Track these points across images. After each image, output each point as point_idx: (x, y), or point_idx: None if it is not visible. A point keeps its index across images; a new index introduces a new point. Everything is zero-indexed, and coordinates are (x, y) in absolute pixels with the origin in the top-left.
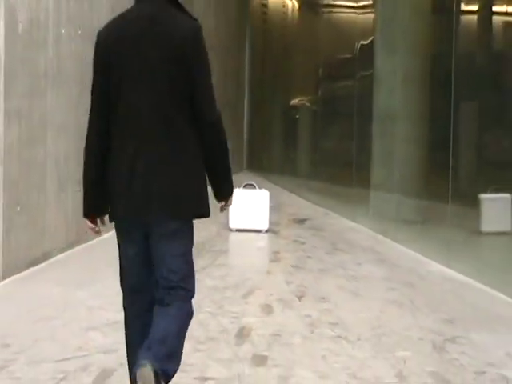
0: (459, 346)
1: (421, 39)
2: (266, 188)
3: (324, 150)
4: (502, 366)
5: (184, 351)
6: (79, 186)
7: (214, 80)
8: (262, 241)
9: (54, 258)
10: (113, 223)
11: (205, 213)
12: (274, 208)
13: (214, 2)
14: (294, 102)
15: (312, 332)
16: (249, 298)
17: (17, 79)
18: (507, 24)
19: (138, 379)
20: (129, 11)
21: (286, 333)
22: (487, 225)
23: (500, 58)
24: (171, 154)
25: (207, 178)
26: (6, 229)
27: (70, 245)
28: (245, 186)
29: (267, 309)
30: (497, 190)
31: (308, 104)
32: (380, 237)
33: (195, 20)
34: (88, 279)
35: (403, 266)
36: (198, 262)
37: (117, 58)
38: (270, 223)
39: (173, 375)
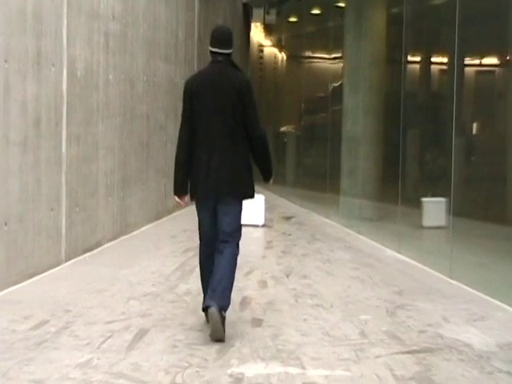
0: (406, 311)
1: (377, 82)
2: (261, 193)
3: (306, 165)
4: (438, 326)
5: (200, 315)
6: (123, 192)
7: None
8: (259, 233)
9: (104, 246)
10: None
11: (251, 196)
12: (268, 208)
13: None
14: (283, 129)
15: (296, 301)
16: (249, 275)
17: (76, 112)
18: (441, 71)
19: (209, 317)
20: (206, 69)
21: (277, 302)
22: (427, 221)
23: (435, 96)
24: (231, 156)
25: (259, 168)
26: (68, 224)
27: (116, 236)
28: None
29: (263, 284)
30: (434, 195)
31: (293, 130)
32: (347, 230)
33: (245, 75)
34: (129, 262)
35: (365, 251)
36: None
37: (198, 96)
38: (265, 220)
39: (228, 305)
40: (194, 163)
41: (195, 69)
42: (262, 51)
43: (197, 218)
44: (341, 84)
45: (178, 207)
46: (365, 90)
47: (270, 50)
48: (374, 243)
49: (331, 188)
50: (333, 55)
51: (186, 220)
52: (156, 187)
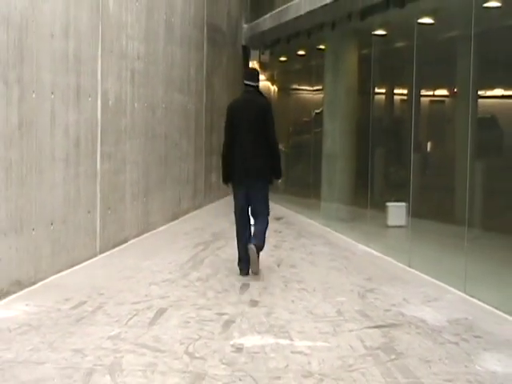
0: (374, 294)
1: (351, 109)
2: None
3: (293, 176)
4: (400, 306)
5: (208, 297)
6: (145, 197)
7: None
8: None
9: (130, 242)
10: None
11: (269, 180)
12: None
13: (226, 85)
14: None
15: (286, 286)
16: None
17: (107, 133)
18: (402, 100)
19: (249, 253)
20: (242, 96)
21: (270, 286)
22: (391, 221)
23: (397, 121)
24: (259, 156)
25: (272, 168)
26: (102, 224)
27: (140, 233)
28: None
29: (259, 272)
30: (396, 200)
31: (283, 148)
32: (327, 229)
33: (267, 99)
34: (151, 254)
35: (341, 246)
36: (216, 244)
37: (236, 116)
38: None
39: (263, 246)
40: (233, 160)
41: (204, 98)
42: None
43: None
44: (321, 111)
45: (190, 209)
46: (341, 116)
47: (265, 83)
48: (348, 239)
49: (314, 195)
50: (315, 87)
51: (197, 220)
52: (172, 193)
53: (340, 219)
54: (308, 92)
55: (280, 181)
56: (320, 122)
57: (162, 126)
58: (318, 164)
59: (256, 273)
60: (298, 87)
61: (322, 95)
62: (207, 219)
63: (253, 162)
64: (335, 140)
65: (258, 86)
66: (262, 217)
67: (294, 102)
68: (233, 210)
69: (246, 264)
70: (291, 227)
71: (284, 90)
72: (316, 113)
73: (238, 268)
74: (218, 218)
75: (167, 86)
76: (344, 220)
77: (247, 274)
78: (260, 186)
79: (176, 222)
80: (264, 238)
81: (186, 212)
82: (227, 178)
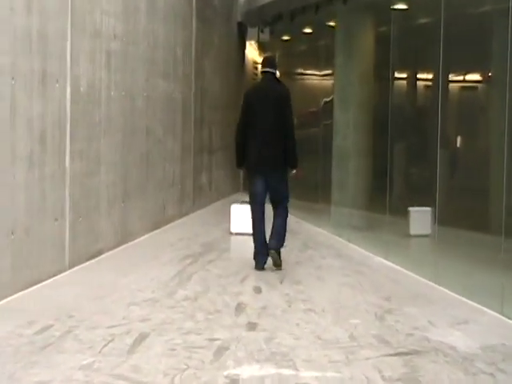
0: (394, 315)
1: (366, 98)
2: None
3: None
4: (425, 330)
5: (197, 319)
6: (124, 203)
7: (220, 129)
8: None
9: (106, 254)
10: None
11: (284, 167)
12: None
13: (219, 70)
14: None
15: (289, 306)
16: (244, 281)
17: (78, 127)
18: (426, 87)
19: (270, 255)
20: (260, 82)
21: (271, 307)
22: (414, 230)
23: (421, 111)
24: (275, 145)
25: (288, 158)
26: (72, 234)
27: (117, 244)
28: (241, 202)
29: (257, 289)
30: (420, 205)
31: None
32: (338, 238)
33: (286, 87)
34: (129, 269)
35: (354, 259)
36: (207, 257)
37: (253, 103)
38: None
39: (283, 244)
40: (249, 148)
41: (192, 85)
42: (256, 68)
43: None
44: (331, 100)
45: (176, 217)
46: (354, 106)
47: None
48: (363, 251)
49: (323, 199)
50: (324, 72)
51: (184, 229)
52: (155, 199)
53: (353, 227)
54: (315, 77)
55: (295, 171)
56: (330, 113)
57: (144, 119)
58: (328, 162)
59: (280, 266)
60: (303, 72)
61: (331, 81)
62: (196, 228)
63: (270, 151)
64: (348, 134)
65: (275, 74)
66: (282, 207)
67: (298, 88)
68: (225, 219)
69: (263, 257)
70: (296, 236)
71: (287, 74)
72: (325, 102)
73: (253, 262)
74: (208, 226)
75: (149, 71)
76: (358, 228)
77: (263, 268)
78: (278, 176)
79: (159, 231)
80: (284, 236)
81: (172, 220)
82: (241, 161)
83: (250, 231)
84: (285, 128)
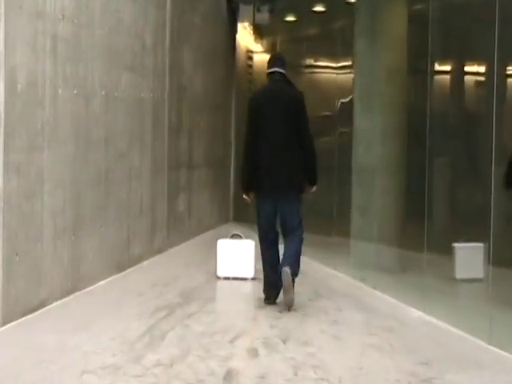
0: None
1: (397, 97)
2: (251, 238)
3: (307, 200)
4: None
5: None
6: (75, 235)
7: (204, 139)
8: (248, 288)
9: (51, 305)
10: None
11: (304, 191)
12: (260, 257)
13: (202, 62)
14: None
15: (295, 374)
16: (235, 342)
17: (15, 135)
18: (478, 83)
19: (283, 279)
20: (268, 85)
21: (271, 375)
22: (461, 272)
23: (470, 115)
24: (290, 160)
25: (306, 173)
26: (5, 278)
27: (67, 292)
28: (232, 236)
29: (253, 352)
30: (469, 239)
31: None
32: (360, 284)
33: (299, 91)
34: (83, 325)
35: (382, 311)
36: (186, 310)
37: (262, 109)
38: (256, 271)
39: (297, 271)
40: (258, 165)
41: (166, 82)
42: (251, 58)
43: (253, 218)
44: (351, 100)
45: (145, 255)
46: (381, 108)
47: (262, 57)
48: (393, 301)
49: (339, 230)
50: (341, 64)
51: (156, 272)
52: (117, 230)
53: (381, 268)
54: (329, 70)
55: (315, 189)
56: (348, 118)
57: (102, 126)
58: (346, 183)
59: (290, 304)
60: (313, 63)
61: (351, 75)
62: (172, 270)
63: (283, 167)
64: (372, 145)
65: (285, 74)
66: (295, 234)
67: (307, 85)
68: (210, 259)
69: (274, 290)
70: (304, 281)
71: (292, 67)
72: (342, 103)
73: (263, 295)
74: (188, 268)
75: (109, 63)
76: (387, 270)
77: (274, 302)
78: (291, 198)
79: (124, 274)
80: (299, 260)
81: (140, 259)
82: (249, 186)
83: (243, 274)
84: (300, 138)
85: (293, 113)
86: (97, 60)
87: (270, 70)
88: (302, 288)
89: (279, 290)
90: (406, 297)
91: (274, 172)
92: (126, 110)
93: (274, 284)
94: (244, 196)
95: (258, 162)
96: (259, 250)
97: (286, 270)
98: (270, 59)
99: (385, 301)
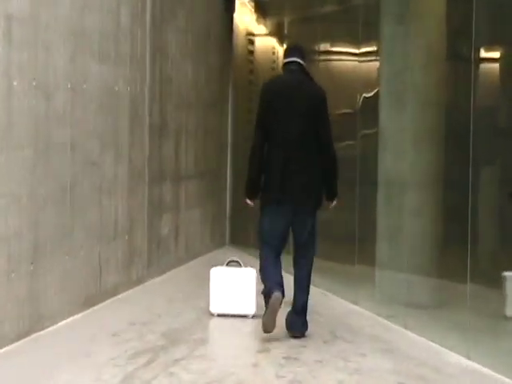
0: None
1: (434, 92)
2: (252, 266)
3: (321, 221)
4: None
5: None
6: (34, 265)
7: (195, 143)
8: (249, 327)
9: (2, 350)
10: None
11: (321, 204)
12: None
13: (192, 47)
14: None
15: None
16: None
17: None
18: None
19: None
20: (283, 77)
21: None
22: None
23: None
24: (307, 165)
25: (325, 187)
26: None
27: (23, 333)
28: (228, 264)
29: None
30: None
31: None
32: (387, 323)
33: (321, 86)
34: (43, 375)
35: (415, 356)
36: (173, 354)
37: (276, 103)
38: (258, 307)
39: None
40: (268, 168)
41: (147, 71)
42: (251, 43)
43: (258, 224)
44: (376, 94)
45: (121, 287)
46: (414, 104)
47: (265, 42)
48: (429, 343)
49: (361, 257)
50: (363, 49)
51: (132, 308)
52: (86, 257)
53: (413, 304)
54: (349, 58)
55: (334, 204)
56: (373, 117)
57: (66, 127)
58: (369, 197)
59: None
60: (329, 49)
61: (376, 64)
62: (155, 305)
63: (299, 173)
64: (403, 151)
65: (304, 66)
66: (307, 257)
67: (321, 76)
68: (201, 292)
69: (280, 285)
70: (317, 319)
71: None
72: (365, 98)
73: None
74: (174, 303)
75: (76, 48)
76: (420, 305)
77: (283, 295)
78: (308, 211)
79: (94, 309)
80: (309, 285)
81: (114, 292)
82: (254, 190)
83: (242, 310)
84: (320, 143)
85: (312, 112)
86: (60, 45)
87: (288, 60)
88: (315, 328)
89: (283, 290)
90: (444, 338)
91: (289, 180)
92: (97, 107)
93: (277, 281)
94: (247, 201)
95: (268, 163)
96: (261, 274)
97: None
98: (286, 49)
99: (417, 343)
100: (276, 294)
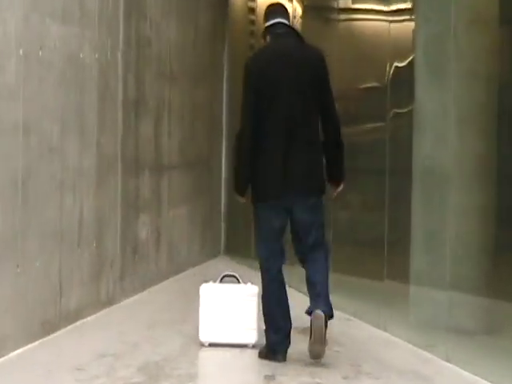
0: None
1: (484, 61)
2: (252, 281)
3: (341, 223)
4: None
5: None
6: None
7: (181, 123)
8: (250, 359)
9: None
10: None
11: (325, 190)
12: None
13: (176, 2)
14: None
15: None
16: None
17: None
18: None
19: (313, 322)
20: (270, 46)
21: None
22: None
23: None
24: (308, 149)
25: (329, 166)
26: None
27: None
28: (223, 279)
29: (323, 355)
30: None
31: None
32: (425, 353)
33: (318, 48)
34: None
35: None
36: None
37: (268, 79)
38: (260, 333)
39: (332, 312)
40: (258, 156)
41: (120, 34)
42: (252, 10)
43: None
44: (410, 64)
45: (87, 308)
46: (459, 77)
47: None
48: (476, 379)
49: (392, 269)
50: (394, 6)
51: (102, 335)
52: (43, 269)
53: (457, 330)
54: (376, 17)
55: (341, 188)
56: (407, 92)
57: (18, 104)
58: (404, 193)
59: (320, 356)
60: (351, 6)
61: (410, 25)
62: (130, 332)
63: (299, 160)
64: (445, 135)
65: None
66: (319, 254)
67: (342, 42)
68: (188, 315)
69: (284, 340)
70: (336, 349)
71: (319, 11)
72: (397, 68)
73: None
74: (155, 328)
75: (30, 6)
76: (467, 332)
77: (283, 359)
78: (313, 203)
79: (53, 337)
80: (328, 292)
81: (78, 314)
82: (246, 184)
83: (240, 339)
84: (324, 116)
85: (316, 84)
86: (10, 2)
87: (271, 22)
88: (333, 360)
89: (289, 340)
90: (496, 373)
91: (287, 166)
92: (57, 79)
93: (284, 331)
94: (239, 199)
95: (264, 154)
96: (262, 289)
97: (320, 315)
98: (267, 10)
99: (463, 379)
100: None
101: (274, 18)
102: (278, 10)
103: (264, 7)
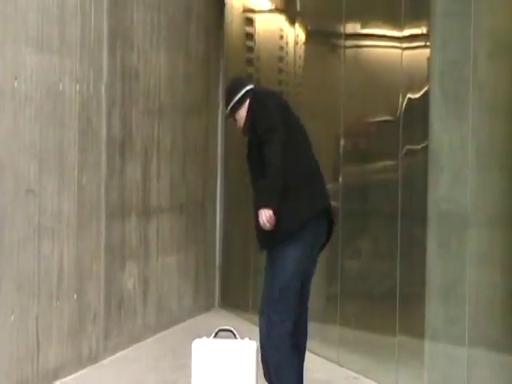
0: None
1: (506, 90)
2: (250, 336)
3: (349, 272)
4: None
5: None
6: None
7: (171, 163)
8: None
9: None
10: None
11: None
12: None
13: (166, 30)
14: None
15: None
16: None
17: None
18: None
19: None
20: (264, 87)
21: None
22: None
23: None
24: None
25: None
26: None
27: None
28: (217, 334)
29: None
30: None
31: None
32: None
33: None
34: None
35: None
36: None
37: (288, 108)
38: None
39: None
40: (290, 189)
41: (104, 63)
42: (250, 23)
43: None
44: (425, 95)
45: (66, 368)
46: (480, 108)
47: (269, 22)
48: None
49: (405, 323)
50: (406, 32)
51: None
52: (18, 324)
53: None
54: (387, 43)
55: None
56: (421, 126)
57: None
58: (417, 239)
59: None
60: (358, 31)
61: (426, 52)
62: None
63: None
64: (464, 174)
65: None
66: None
67: (350, 69)
68: (179, 377)
69: None
70: None
71: (325, 37)
72: (410, 100)
73: None
74: None
75: (3, 32)
76: None
77: None
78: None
79: None
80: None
81: (57, 374)
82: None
83: None
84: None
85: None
86: None
87: (248, 88)
88: None
89: None
90: None
91: (326, 204)
92: (34, 113)
93: None
94: (270, 213)
95: (296, 172)
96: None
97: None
98: (231, 86)
99: None
100: None
101: (245, 87)
102: (239, 84)
103: (263, 32)
